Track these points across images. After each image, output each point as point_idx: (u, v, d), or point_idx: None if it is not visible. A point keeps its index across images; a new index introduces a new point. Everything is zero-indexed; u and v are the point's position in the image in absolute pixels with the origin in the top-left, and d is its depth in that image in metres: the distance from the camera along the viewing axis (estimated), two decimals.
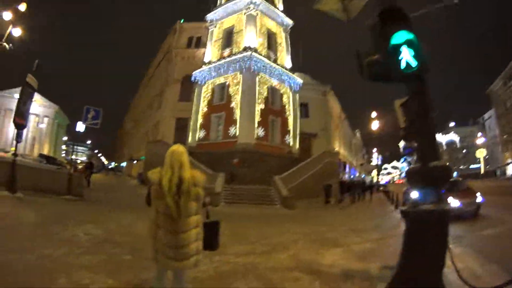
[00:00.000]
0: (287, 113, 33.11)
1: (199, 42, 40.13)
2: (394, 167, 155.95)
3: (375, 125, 40.63)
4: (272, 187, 23.87)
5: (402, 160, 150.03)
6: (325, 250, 8.10)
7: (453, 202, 12.36)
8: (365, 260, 7.11)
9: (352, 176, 56.28)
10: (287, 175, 24.93)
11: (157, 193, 3.45)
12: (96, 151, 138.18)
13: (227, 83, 31.88)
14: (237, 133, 29.06)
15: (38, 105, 69.40)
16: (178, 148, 3.65)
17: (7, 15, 15.50)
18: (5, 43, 15.71)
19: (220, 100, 32.16)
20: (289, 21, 36.66)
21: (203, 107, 33.29)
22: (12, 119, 15.89)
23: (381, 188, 40.36)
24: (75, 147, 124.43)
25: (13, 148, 42.82)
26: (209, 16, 36.59)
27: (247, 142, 28.29)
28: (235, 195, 22.94)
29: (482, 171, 65.09)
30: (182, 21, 42.16)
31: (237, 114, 29.70)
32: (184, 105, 35.85)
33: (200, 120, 33.06)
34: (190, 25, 41.91)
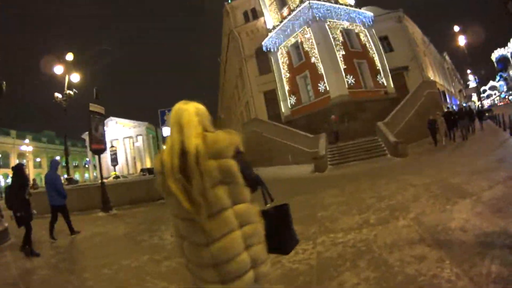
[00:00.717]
0: (371, 52, 29.50)
1: (256, 13, 38.06)
2: (492, 87, 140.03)
3: (461, 41, 35.54)
4: (378, 136, 20.82)
5: (498, 78, 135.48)
6: (451, 205, 6.43)
7: None
8: (503, 213, 5.35)
9: (454, 106, 50.42)
10: (390, 119, 21.80)
11: (163, 185, 1.87)
12: None
13: (299, 41, 29.33)
14: (328, 88, 26.30)
15: (128, 128, 76.13)
16: (180, 106, 1.98)
17: (59, 69, 16.60)
18: (69, 91, 16.60)
19: (299, 60, 29.70)
20: None
21: (285, 73, 31.18)
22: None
23: (487, 114, 34.96)
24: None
25: (114, 173, 45.83)
26: None
27: (341, 94, 25.47)
28: (342, 154, 20.62)
29: None
30: (229, 1, 40.43)
31: (321, 68, 26.88)
32: (266, 77, 33.92)
33: (286, 86, 30.98)
34: (238, 1, 40.06)
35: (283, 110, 30.90)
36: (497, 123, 23.22)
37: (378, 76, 28.58)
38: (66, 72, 16.93)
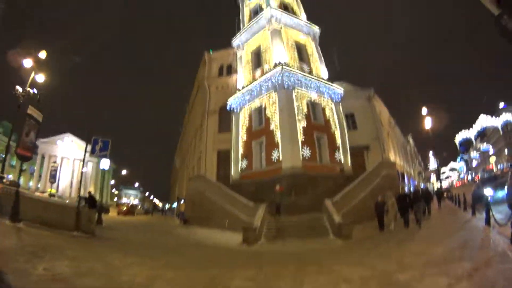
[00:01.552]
0: (333, 127, 28.89)
1: (230, 69, 37.82)
2: (452, 169, 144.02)
3: (428, 123, 35.64)
4: (324, 214, 19.39)
5: (459, 159, 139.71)
6: None
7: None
8: None
9: (412, 188, 50.25)
10: (339, 197, 20.57)
11: None
12: (147, 193, 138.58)
13: (263, 106, 28.58)
14: (281, 157, 25.18)
15: (81, 150, 70.79)
16: None
17: (28, 62, 15.56)
18: (29, 89, 15.36)
19: (259, 124, 28.74)
20: (316, 29, 33.64)
21: (242, 135, 30.02)
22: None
23: (445, 194, 34.73)
24: (125, 190, 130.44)
25: (51, 190, 43.11)
26: (235, 41, 34.82)
27: (293, 166, 24.27)
28: (280, 229, 18.88)
29: None
30: (211, 51, 40.25)
31: (278, 136, 25.96)
32: (224, 136, 32.78)
33: (241, 149, 29.71)
34: (218, 53, 39.84)
35: (232, 172, 29.53)
36: (456, 202, 22.67)
37: (337, 153, 27.77)
38: (34, 69, 15.85)
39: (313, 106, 28.30)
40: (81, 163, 70.43)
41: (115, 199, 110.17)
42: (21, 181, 59.27)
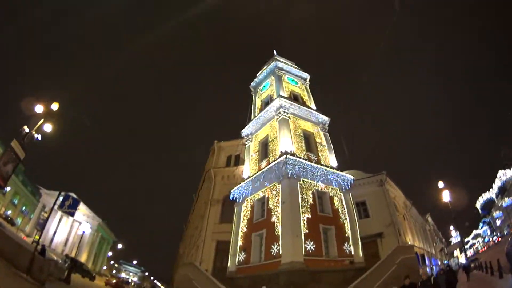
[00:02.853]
0: (342, 218, 26.70)
1: (238, 160, 37.43)
2: (476, 236, 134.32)
3: (446, 196, 33.33)
4: None
5: (481, 225, 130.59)
6: None
7: None
8: None
9: (434, 267, 46.22)
10: None
11: None
12: (147, 273, 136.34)
13: (266, 197, 27.12)
14: (280, 251, 23.06)
15: (82, 214, 71.54)
16: None
17: (39, 108, 15.67)
18: (34, 133, 15.57)
19: (260, 216, 27.05)
20: (325, 118, 33.02)
21: (242, 227, 28.30)
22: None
23: (472, 265, 32.74)
24: (125, 266, 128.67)
25: (37, 237, 42.13)
26: (244, 131, 34.72)
27: (293, 261, 21.90)
28: None
29: None
30: (222, 141, 40.46)
31: (279, 229, 24.09)
32: (225, 227, 31.25)
33: (240, 241, 27.83)
34: (227, 143, 39.84)
35: (229, 264, 27.38)
36: (486, 270, 20.88)
37: (345, 244, 25.31)
38: (43, 117, 15.98)
39: (319, 196, 26.64)
40: (79, 224, 71.14)
41: (113, 271, 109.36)
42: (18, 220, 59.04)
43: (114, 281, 46.50)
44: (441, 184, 33.62)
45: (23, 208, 62.53)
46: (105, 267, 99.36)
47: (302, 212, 24.26)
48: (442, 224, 74.83)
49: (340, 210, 26.93)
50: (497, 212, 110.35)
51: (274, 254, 23.43)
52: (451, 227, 68.31)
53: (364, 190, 32.03)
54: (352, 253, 25.39)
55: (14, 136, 15.00)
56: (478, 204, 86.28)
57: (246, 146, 33.88)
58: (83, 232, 56.46)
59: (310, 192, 25.95)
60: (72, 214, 18.86)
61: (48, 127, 16.39)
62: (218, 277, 25.30)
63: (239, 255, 27.04)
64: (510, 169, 78.65)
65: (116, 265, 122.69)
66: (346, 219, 26.66)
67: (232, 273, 26.28)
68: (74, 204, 17.18)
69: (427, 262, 44.14)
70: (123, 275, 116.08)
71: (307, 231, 23.61)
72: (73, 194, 17.10)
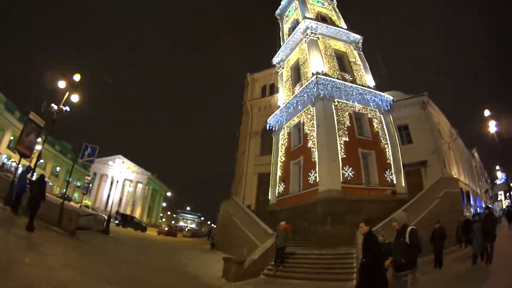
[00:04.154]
0: (383, 142, 23.19)
1: (273, 89, 34.69)
2: None
3: (492, 127, 28.62)
4: (355, 250, 13.41)
5: None
6: None
7: None
8: None
9: (478, 209, 41.96)
10: (381, 226, 14.70)
11: None
12: (202, 218, 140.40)
13: (301, 122, 24.20)
14: (318, 179, 20.21)
15: (132, 171, 73.09)
16: None
17: (62, 84, 15.85)
18: (62, 106, 15.96)
19: (298, 143, 24.28)
20: (357, 36, 28.76)
21: (281, 156, 25.81)
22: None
23: None
24: (182, 215, 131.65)
25: (86, 202, 43.02)
26: (275, 59, 31.46)
27: (330, 189, 19.16)
28: (290, 266, 13.95)
29: None
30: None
31: (315, 155, 21.11)
32: (266, 158, 29.12)
33: (279, 171, 25.41)
34: (260, 74, 37.34)
35: (270, 197, 25.10)
36: None
37: (387, 172, 21.96)
38: (69, 89, 16.20)
39: (357, 118, 23.17)
40: (131, 183, 73.81)
41: (172, 221, 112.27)
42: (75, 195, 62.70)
43: (166, 229, 46.55)
44: (487, 113, 28.89)
45: (78, 183, 66.45)
46: (164, 219, 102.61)
47: (339, 135, 21.17)
48: (488, 164, 69.07)
49: (380, 134, 23.41)
50: None
51: (312, 183, 20.85)
52: (498, 167, 62.42)
53: (406, 112, 28.09)
54: (394, 182, 22.15)
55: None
56: None
57: (279, 73, 30.93)
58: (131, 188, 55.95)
59: (347, 113, 22.57)
60: (92, 162, 18.69)
61: (75, 98, 16.58)
62: (260, 211, 23.98)
63: (278, 186, 24.85)
64: None
65: (174, 215, 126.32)
66: (387, 143, 23.13)
67: (273, 206, 24.34)
68: (93, 151, 17.23)
69: (471, 201, 40.02)
70: (181, 223, 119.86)
71: (345, 156, 20.66)
72: (91, 145, 17.29)
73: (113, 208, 58.26)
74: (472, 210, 36.27)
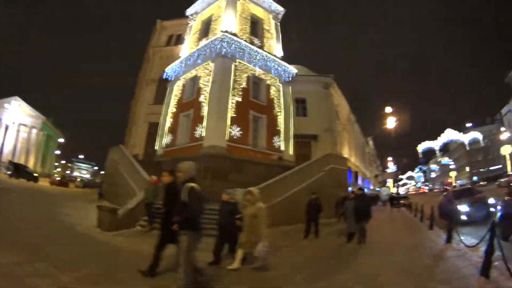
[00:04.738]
0: (276, 109, 23.90)
1: (179, 40, 32.79)
2: (410, 178, 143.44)
3: (391, 123, 30.43)
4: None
5: (417, 170, 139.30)
6: None
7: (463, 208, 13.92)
8: None
9: (366, 190, 45.23)
10: (263, 187, 14.76)
11: None
12: (96, 168, 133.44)
13: (198, 76, 23.51)
14: (204, 134, 20.25)
15: (26, 115, 66.41)
16: None
17: None
18: None
19: (191, 96, 23.72)
20: (280, 8, 28.12)
21: (172, 107, 25.10)
22: None
23: (402, 201, 31.23)
24: (77, 164, 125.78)
25: None
26: (189, 10, 29.09)
27: (215, 145, 19.30)
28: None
29: (510, 170, 54.42)
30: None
31: (205, 109, 21.05)
32: (159, 108, 27.61)
33: (168, 122, 24.78)
34: (171, 22, 34.81)
35: (157, 147, 24.62)
36: (412, 211, 20.36)
37: (276, 138, 22.81)
38: None
39: (255, 82, 23.33)
40: (25, 127, 66.89)
41: (67, 171, 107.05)
42: None
43: (58, 179, 44.54)
44: (389, 109, 30.63)
45: None
46: (58, 169, 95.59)
47: (232, 94, 21.12)
48: (381, 153, 75.47)
49: (275, 101, 24.07)
50: (435, 165, 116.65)
51: (198, 136, 20.76)
52: (390, 158, 68.11)
53: (307, 88, 29.04)
54: (282, 148, 23.15)
55: None
56: (419, 148, 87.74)
57: (189, 25, 29.32)
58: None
59: (245, 75, 22.55)
60: None
61: None
62: (148, 160, 23.26)
63: (166, 137, 24.34)
64: (459, 132, 78.95)
65: (69, 164, 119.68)
66: (280, 112, 23.94)
67: (159, 157, 23.70)
68: None
69: (359, 182, 42.94)
70: (76, 173, 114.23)
71: (235, 116, 20.78)
72: None
73: (6, 157, 53.14)
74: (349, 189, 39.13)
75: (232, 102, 20.82)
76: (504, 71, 62.51)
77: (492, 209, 14.20)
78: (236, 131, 20.33)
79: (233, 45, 21.87)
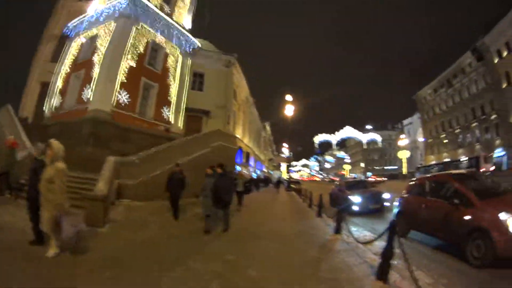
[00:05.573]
0: (171, 79, 24.85)
1: None
2: (305, 165, 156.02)
3: (289, 110, 33.36)
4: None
5: (313, 159, 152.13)
6: None
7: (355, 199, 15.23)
8: None
9: (258, 171, 48.94)
10: (144, 156, 15.60)
11: None
12: None
13: (98, 35, 23.20)
14: (91, 97, 20.35)
15: None
16: None
17: None
18: None
19: (86, 56, 23.28)
20: None
21: (67, 66, 24.45)
22: None
23: (293, 186, 34.65)
24: None
25: None
26: None
27: (100, 109, 19.53)
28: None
29: (405, 171, 66.30)
30: None
31: (97, 70, 21.01)
32: (55, 66, 26.21)
33: (60, 83, 24.21)
34: None
35: (46, 109, 24.03)
36: (301, 195, 22.17)
37: (165, 108, 24.00)
38: None
39: (154, 48, 24.00)
40: None
41: None
42: None
43: None
44: (289, 97, 33.48)
45: None
46: None
47: (127, 58, 21.50)
48: (278, 140, 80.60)
49: (171, 71, 25.07)
50: (330, 157, 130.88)
51: (85, 100, 20.80)
52: (285, 144, 73.45)
53: (208, 63, 30.17)
54: (171, 120, 24.46)
55: None
56: (316, 139, 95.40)
57: None
58: None
59: (145, 40, 23.09)
60: None
61: None
62: (37, 123, 22.43)
63: (55, 98, 23.83)
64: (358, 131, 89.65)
65: None
66: (175, 82, 25.09)
67: (47, 120, 23.26)
68: None
69: (251, 163, 45.93)
70: None
71: (126, 81, 21.16)
72: None
73: None
74: (251, 170, 42.39)
75: (125, 66, 21.12)
76: (414, 89, 74.67)
77: (386, 204, 15.61)
78: (124, 97, 20.79)
79: (139, 7, 22.14)
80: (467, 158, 39.21)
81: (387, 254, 4.83)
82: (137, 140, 20.18)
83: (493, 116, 46.16)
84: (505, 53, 40.94)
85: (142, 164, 15.40)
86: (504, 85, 41.72)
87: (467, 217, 6.71)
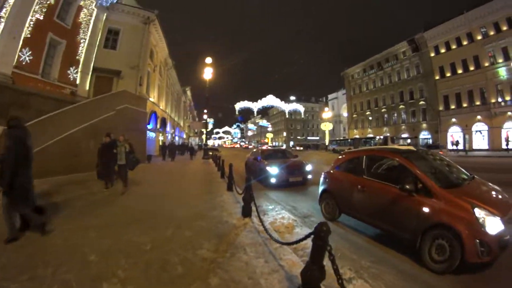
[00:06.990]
0: (81, 36, 24.85)
1: None
2: (226, 132, 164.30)
3: (208, 74, 34.69)
4: None
5: (235, 126, 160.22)
6: None
7: (273, 170, 14.63)
8: None
9: (177, 138, 50.49)
10: (33, 124, 14.75)
11: None
12: None
13: None
14: None
15: None
16: None
17: None
18: None
19: None
20: None
21: None
22: None
23: (210, 153, 36.77)
24: None
25: None
26: None
27: (0, 72, 18.59)
28: None
29: (327, 142, 75.29)
30: None
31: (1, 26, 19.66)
32: None
33: None
34: None
35: None
36: (217, 166, 21.53)
37: (72, 69, 24.02)
38: None
39: (68, 1, 23.55)
40: None
41: None
42: None
43: None
44: (208, 60, 34.78)
45: None
46: None
47: (35, 10, 20.66)
48: (201, 106, 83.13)
49: (83, 26, 25.08)
50: (252, 125, 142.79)
51: None
52: (205, 111, 76.31)
53: (125, 19, 30.28)
54: (77, 82, 24.59)
55: None
56: (237, 106, 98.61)
57: None
58: None
59: None
60: None
61: None
62: None
63: None
64: (281, 101, 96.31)
65: None
66: (85, 39, 25.14)
67: None
68: None
69: (168, 128, 47.30)
70: None
71: (30, 36, 20.34)
72: None
73: None
74: (168, 136, 43.99)
75: (31, 19, 20.23)
76: (343, 67, 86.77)
77: (309, 176, 14.93)
78: (26, 56, 19.99)
79: None
80: (379, 137, 51.80)
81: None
82: (38, 105, 19.23)
83: (421, 102, 60.67)
84: (443, 50, 52.83)
85: (34, 133, 14.85)
86: (437, 77, 54.37)
87: (425, 209, 5.79)
